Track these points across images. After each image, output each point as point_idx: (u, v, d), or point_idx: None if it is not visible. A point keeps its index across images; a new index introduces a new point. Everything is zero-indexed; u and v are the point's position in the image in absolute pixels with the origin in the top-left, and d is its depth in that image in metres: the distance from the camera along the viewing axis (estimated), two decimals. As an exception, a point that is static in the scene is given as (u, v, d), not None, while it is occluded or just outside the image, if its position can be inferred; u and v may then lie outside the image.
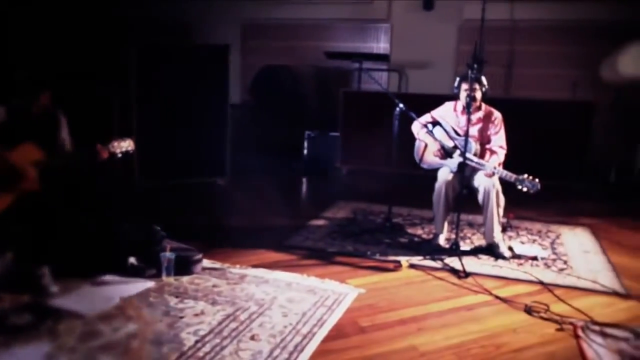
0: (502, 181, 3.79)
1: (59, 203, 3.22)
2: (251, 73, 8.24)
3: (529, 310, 2.94)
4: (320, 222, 4.56)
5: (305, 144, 7.17)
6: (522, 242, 4.15)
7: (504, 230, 4.36)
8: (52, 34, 6.76)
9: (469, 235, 4.32)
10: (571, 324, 2.81)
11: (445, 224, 4.05)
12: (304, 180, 6.42)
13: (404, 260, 3.62)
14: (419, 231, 4.38)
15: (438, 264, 3.63)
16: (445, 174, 3.95)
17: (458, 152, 3.93)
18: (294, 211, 4.93)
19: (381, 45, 7.87)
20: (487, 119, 4.04)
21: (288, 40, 8.15)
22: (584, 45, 7.04)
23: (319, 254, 3.79)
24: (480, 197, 3.88)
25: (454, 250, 3.74)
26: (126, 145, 3.36)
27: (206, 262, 3.46)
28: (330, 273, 3.42)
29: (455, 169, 3.94)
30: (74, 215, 3.23)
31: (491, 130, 4.04)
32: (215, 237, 4.05)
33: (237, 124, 7.57)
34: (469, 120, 3.69)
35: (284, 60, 8.07)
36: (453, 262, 3.63)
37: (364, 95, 6.77)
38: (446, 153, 4.04)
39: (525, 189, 3.65)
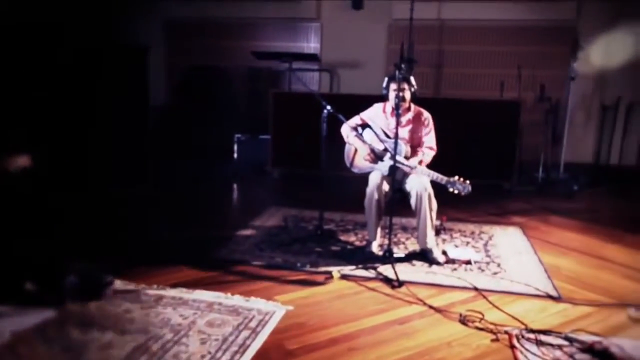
0: (434, 183, 3.68)
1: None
2: (177, 74, 7.86)
3: (463, 321, 2.82)
4: (249, 231, 4.30)
5: (235, 148, 6.90)
6: (456, 245, 4.06)
7: (437, 233, 4.27)
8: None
9: (402, 240, 4.19)
10: (506, 332, 2.70)
11: (378, 230, 3.89)
12: (234, 185, 6.12)
13: (336, 271, 3.43)
14: (352, 238, 4.21)
15: (371, 274, 3.46)
16: (376, 178, 3.79)
17: (389, 155, 3.79)
18: (221, 220, 4.64)
19: (312, 45, 7.70)
20: (417, 120, 3.92)
21: (216, 40, 7.83)
22: (510, 45, 7.16)
23: (246, 268, 3.53)
24: (412, 201, 3.75)
25: (387, 257, 3.59)
26: (22, 161, 2.98)
27: (119, 284, 3.12)
28: (256, 289, 3.18)
29: (386, 173, 3.80)
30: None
31: (422, 132, 3.93)
32: (132, 254, 3.71)
33: (163, 127, 7.19)
34: (398, 122, 3.54)
35: (213, 60, 7.75)
36: (386, 270, 3.48)
37: (295, 97, 6.56)
38: (377, 156, 3.90)
39: (456, 191, 3.55)
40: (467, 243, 4.14)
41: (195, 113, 7.37)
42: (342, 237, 4.21)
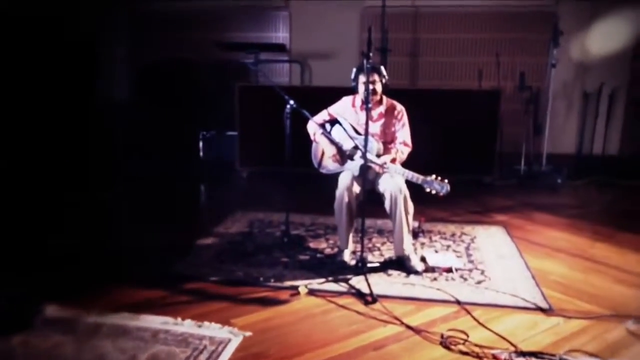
0: (410, 183, 3.33)
1: None
2: (141, 68, 7.38)
3: (446, 344, 2.49)
4: (210, 240, 3.91)
5: (201, 145, 6.48)
6: (436, 250, 3.73)
7: (415, 236, 3.94)
8: None
9: (378, 245, 3.85)
10: (494, 357, 2.37)
11: (350, 236, 3.54)
12: (200, 187, 5.71)
13: (303, 286, 3.07)
14: (322, 244, 3.85)
15: (342, 287, 3.11)
16: (346, 180, 3.43)
17: (359, 153, 3.43)
18: (181, 227, 4.24)
19: (280, 35, 7.29)
20: (389, 113, 3.56)
21: (182, 31, 7.33)
22: (488, 32, 6.85)
23: (202, 285, 3.15)
24: (386, 204, 3.40)
25: (360, 268, 3.23)
26: None
27: (51, 310, 2.72)
28: (211, 311, 2.80)
29: (357, 173, 3.44)
30: None
31: (395, 126, 3.57)
32: (72, 270, 3.30)
33: (126, 125, 6.72)
34: (368, 117, 3.17)
35: (177, 53, 7.28)
36: (359, 282, 3.13)
37: (262, 90, 6.12)
38: (345, 155, 3.54)
39: (434, 192, 3.20)
40: (448, 247, 3.81)
41: (158, 109, 6.92)
42: (312, 244, 3.85)
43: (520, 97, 6.45)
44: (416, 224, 4.04)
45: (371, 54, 3.14)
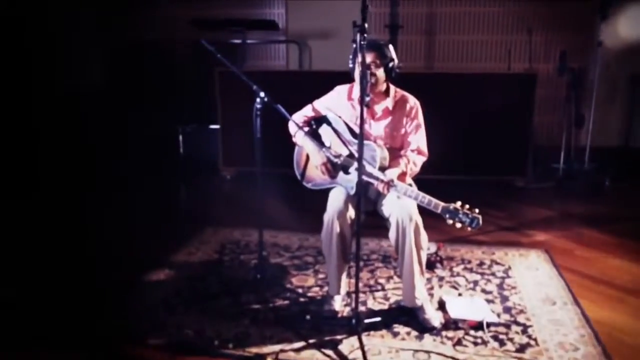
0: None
1: None
2: (109, 52, 6.45)
3: None
4: (164, 273, 3.01)
5: (181, 141, 5.60)
6: (459, 291, 2.79)
7: (431, 266, 3.02)
8: None
9: (381, 281, 2.93)
10: None
11: (344, 278, 2.61)
12: (174, 191, 4.81)
13: (271, 358, 2.16)
14: (309, 280, 2.93)
15: (328, 357, 2.20)
16: (337, 201, 2.50)
17: (356, 164, 2.49)
18: (131, 253, 3.32)
19: (275, 12, 6.31)
20: (398, 109, 2.61)
21: (157, 9, 6.36)
22: (518, 4, 5.77)
23: (135, 351, 2.26)
24: (391, 233, 2.47)
25: (354, 326, 2.31)
26: None
27: None
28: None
29: (353, 191, 2.51)
30: None
31: (406, 127, 2.62)
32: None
33: (93, 117, 5.81)
34: (363, 114, 2.21)
35: (152, 33, 6.33)
36: (354, 348, 2.22)
37: (248, 75, 5.17)
38: (339, 166, 2.60)
39: (458, 225, 2.25)
40: (475, 285, 2.87)
41: (132, 99, 6.02)
42: (295, 280, 2.94)
43: (556, 81, 5.45)
44: (432, 249, 3.11)
45: (367, 25, 2.17)
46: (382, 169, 2.48)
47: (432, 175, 2.63)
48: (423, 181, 2.65)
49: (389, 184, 2.35)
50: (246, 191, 4.36)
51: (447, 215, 2.25)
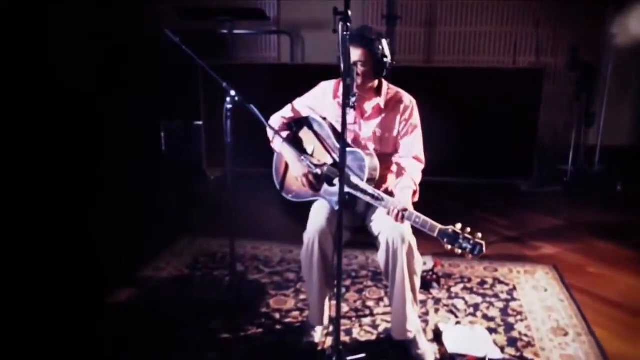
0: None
1: None
2: (89, 46, 6.03)
3: None
4: (125, 294, 2.68)
5: (163, 138, 5.26)
6: (458, 318, 2.46)
7: (426, 286, 2.70)
8: None
9: (370, 302, 2.60)
10: None
11: (326, 307, 2.28)
12: (152, 194, 4.47)
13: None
14: (288, 302, 2.60)
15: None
16: (319, 218, 2.17)
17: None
18: (92, 268, 2.97)
19: (269, 1, 5.92)
20: (391, 108, 2.27)
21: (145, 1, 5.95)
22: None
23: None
24: (381, 254, 2.14)
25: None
26: None
27: None
28: None
29: (337, 205, 2.17)
30: None
31: (400, 129, 2.28)
32: None
33: (70, 116, 5.43)
34: (345, 114, 1.86)
35: (138, 26, 5.93)
36: (332, 394, 1.89)
37: (235, 69, 4.83)
38: (322, 177, 2.27)
39: (458, 251, 1.91)
40: (475, 309, 2.54)
41: (114, 92, 5.65)
42: (273, 301, 2.61)
43: (563, 77, 5.10)
44: (428, 265, 2.79)
45: (351, 13, 1.83)
46: (371, 180, 2.14)
47: (427, 178, 2.31)
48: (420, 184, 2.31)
49: (403, 214, 1.99)
50: (230, 195, 4.01)
51: (446, 240, 1.91)
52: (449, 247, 1.90)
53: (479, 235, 1.88)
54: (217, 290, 2.70)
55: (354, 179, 2.11)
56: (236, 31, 5.33)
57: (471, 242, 1.87)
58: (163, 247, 3.23)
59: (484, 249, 1.87)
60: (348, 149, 2.12)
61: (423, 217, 1.96)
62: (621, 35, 4.74)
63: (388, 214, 2.03)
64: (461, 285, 2.78)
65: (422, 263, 2.17)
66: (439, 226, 1.92)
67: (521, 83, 4.38)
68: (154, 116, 5.31)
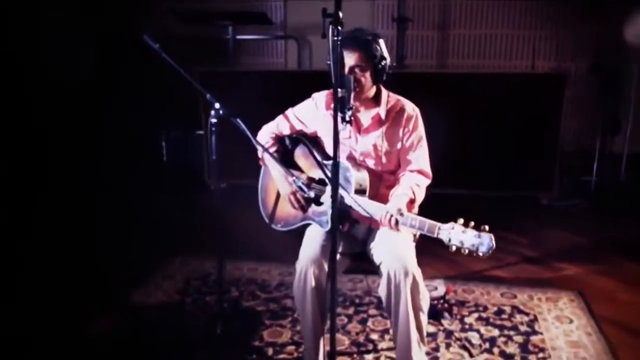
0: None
1: None
2: (87, 48, 5.84)
3: None
4: (111, 321, 2.47)
5: (164, 147, 5.06)
6: (473, 356, 2.20)
7: (436, 316, 2.44)
8: None
9: (374, 335, 2.35)
10: None
11: (321, 344, 2.03)
12: (149, 206, 4.25)
13: None
14: (284, 334, 2.37)
15: None
16: (312, 244, 1.95)
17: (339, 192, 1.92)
18: (78, 295, 2.75)
19: (272, 3, 5.71)
20: (393, 120, 2.04)
21: (150, 3, 5.75)
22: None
23: None
24: (382, 289, 1.89)
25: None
26: None
27: None
28: None
29: (328, 226, 1.93)
30: None
31: (403, 142, 2.03)
32: None
33: (66, 119, 5.22)
34: (337, 126, 1.62)
35: (137, 27, 5.73)
36: None
37: (235, 77, 4.62)
38: (312, 197, 2.03)
39: (466, 250, 1.66)
40: (492, 344, 2.28)
41: (110, 98, 5.47)
42: (266, 334, 2.37)
43: (585, 80, 4.78)
44: (440, 290, 2.54)
45: (341, 14, 1.61)
46: (361, 192, 1.91)
47: (437, 190, 2.07)
48: (426, 197, 2.05)
49: (396, 218, 1.76)
50: (231, 209, 3.77)
51: (449, 239, 1.66)
52: (454, 247, 1.65)
53: (486, 227, 1.64)
54: (206, 319, 2.47)
55: (341, 192, 1.87)
56: (239, 36, 5.13)
57: (478, 236, 1.62)
58: (155, 267, 3.02)
59: (493, 242, 1.62)
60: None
61: (420, 218, 1.74)
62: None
63: (380, 222, 1.80)
64: (476, 315, 2.51)
65: (429, 299, 1.92)
66: (439, 224, 1.68)
67: (541, 89, 4.09)
68: (155, 124, 5.12)
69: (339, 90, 1.71)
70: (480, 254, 1.64)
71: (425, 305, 1.88)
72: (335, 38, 1.56)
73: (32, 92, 4.80)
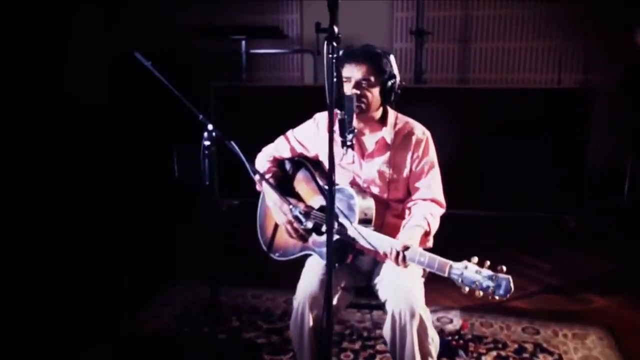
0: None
1: None
2: (103, 64, 5.83)
3: None
4: (101, 355, 2.34)
5: (175, 163, 4.97)
6: (487, 403, 2.00)
7: (451, 355, 2.24)
8: None
9: (381, 374, 2.17)
10: None
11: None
12: (164, 224, 4.15)
13: None
14: (285, 371, 2.20)
15: None
16: (311, 279, 1.79)
17: (342, 222, 1.76)
18: (70, 323, 2.62)
19: (288, 17, 5.62)
20: (400, 144, 1.87)
21: (161, 15, 5.71)
22: (570, 5, 4.86)
23: None
24: (386, 330, 1.72)
25: None
26: None
27: None
28: None
29: (324, 258, 1.77)
30: None
31: (412, 168, 1.86)
32: None
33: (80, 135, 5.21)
34: (332, 150, 1.45)
35: (153, 42, 5.70)
36: None
37: (249, 92, 4.50)
38: (311, 226, 1.88)
39: (479, 293, 1.48)
40: (511, 388, 2.07)
41: (123, 114, 5.43)
42: (266, 371, 2.21)
43: (614, 94, 4.52)
44: (454, 325, 2.34)
45: (337, 29, 1.46)
46: (366, 222, 1.74)
47: (456, 210, 1.88)
48: (442, 219, 1.88)
49: (404, 255, 1.59)
50: (240, 229, 3.61)
51: (461, 280, 1.49)
52: (467, 289, 1.48)
53: (503, 268, 1.46)
54: (202, 353, 2.32)
55: (343, 221, 1.71)
56: (254, 50, 5.03)
57: (494, 278, 1.44)
58: (156, 293, 2.90)
59: (512, 285, 1.44)
60: (344, 190, 1.76)
61: (429, 254, 1.57)
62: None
63: (386, 257, 1.64)
64: (494, 353, 2.30)
65: (439, 343, 1.74)
66: (450, 263, 1.51)
67: (568, 105, 3.87)
68: (167, 139, 5.04)
69: (339, 112, 1.55)
70: (497, 297, 1.46)
71: (434, 350, 1.70)
72: (330, 55, 1.38)
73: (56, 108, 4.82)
